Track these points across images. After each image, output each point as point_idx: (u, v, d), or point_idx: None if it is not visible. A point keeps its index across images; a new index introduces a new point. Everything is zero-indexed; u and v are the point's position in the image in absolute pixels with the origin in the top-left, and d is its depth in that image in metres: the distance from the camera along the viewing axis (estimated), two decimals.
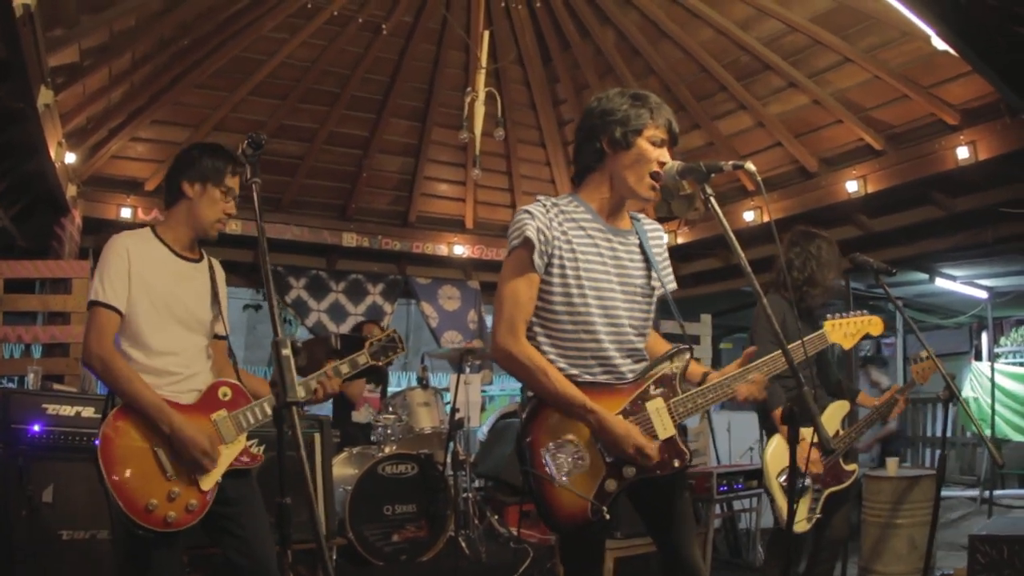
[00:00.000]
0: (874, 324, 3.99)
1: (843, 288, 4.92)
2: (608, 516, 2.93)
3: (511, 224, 3.10)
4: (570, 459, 2.97)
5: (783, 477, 4.41)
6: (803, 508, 4.37)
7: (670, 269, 3.35)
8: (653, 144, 3.07)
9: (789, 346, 2.87)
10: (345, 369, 3.61)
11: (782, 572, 4.42)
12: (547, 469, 2.95)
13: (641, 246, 3.24)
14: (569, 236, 3.07)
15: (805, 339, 3.44)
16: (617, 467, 2.98)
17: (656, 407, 3.06)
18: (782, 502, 4.39)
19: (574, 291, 3.05)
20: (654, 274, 3.22)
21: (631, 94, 3.14)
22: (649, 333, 3.31)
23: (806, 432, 3.13)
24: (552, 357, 3.05)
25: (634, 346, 3.18)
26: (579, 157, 3.24)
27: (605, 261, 3.12)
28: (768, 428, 4.61)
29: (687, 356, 3.17)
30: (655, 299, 3.28)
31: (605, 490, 2.96)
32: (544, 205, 3.09)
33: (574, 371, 3.06)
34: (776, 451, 4.48)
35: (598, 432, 2.95)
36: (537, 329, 3.09)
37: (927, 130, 7.35)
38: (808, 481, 4.39)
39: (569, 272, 3.05)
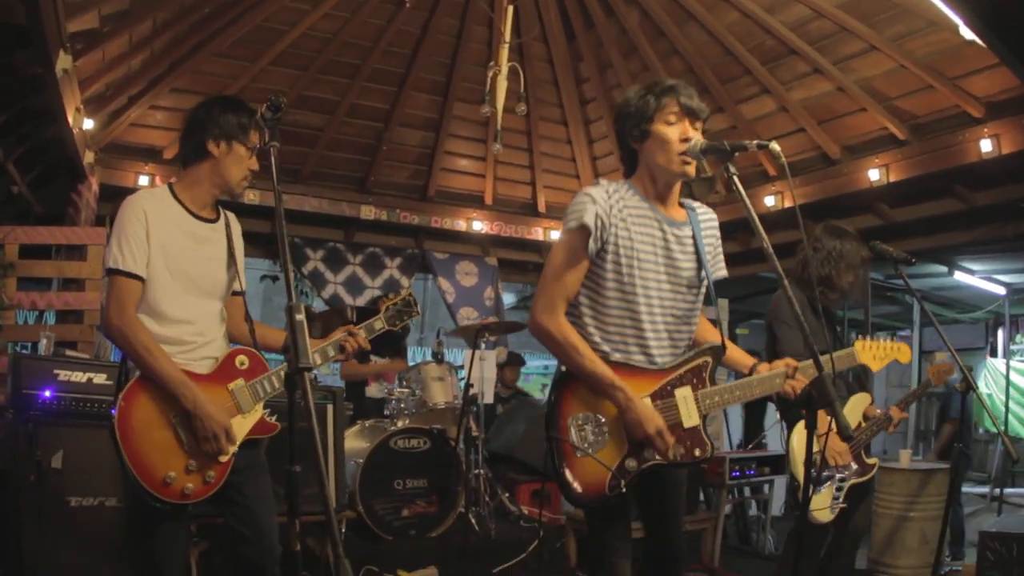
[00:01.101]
0: (903, 352, 4.10)
1: (864, 286, 4.89)
2: (624, 490, 3.00)
3: (571, 203, 3.15)
4: (595, 432, 3.04)
5: None
6: (827, 497, 4.32)
7: (721, 256, 3.42)
8: (668, 123, 3.10)
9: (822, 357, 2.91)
10: (363, 334, 3.60)
11: (804, 561, 4.38)
12: (572, 438, 3.01)
13: (694, 238, 3.28)
14: (628, 223, 3.12)
15: (834, 355, 3.48)
16: (639, 447, 3.04)
17: (684, 395, 3.14)
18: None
19: (625, 277, 3.11)
20: (703, 267, 3.27)
21: (645, 86, 3.21)
22: (698, 321, 3.38)
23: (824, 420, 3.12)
24: (596, 339, 3.14)
25: (675, 334, 3.25)
26: (623, 160, 3.34)
27: (656, 251, 3.18)
28: (789, 419, 4.55)
29: (721, 354, 3.25)
30: (702, 290, 3.33)
31: (625, 467, 3.03)
32: (606, 190, 3.14)
33: (609, 349, 3.14)
34: (803, 438, 4.44)
35: (623, 410, 3.01)
36: (584, 309, 3.17)
37: (951, 122, 7.27)
38: (834, 472, 4.37)
39: (623, 259, 3.10)
